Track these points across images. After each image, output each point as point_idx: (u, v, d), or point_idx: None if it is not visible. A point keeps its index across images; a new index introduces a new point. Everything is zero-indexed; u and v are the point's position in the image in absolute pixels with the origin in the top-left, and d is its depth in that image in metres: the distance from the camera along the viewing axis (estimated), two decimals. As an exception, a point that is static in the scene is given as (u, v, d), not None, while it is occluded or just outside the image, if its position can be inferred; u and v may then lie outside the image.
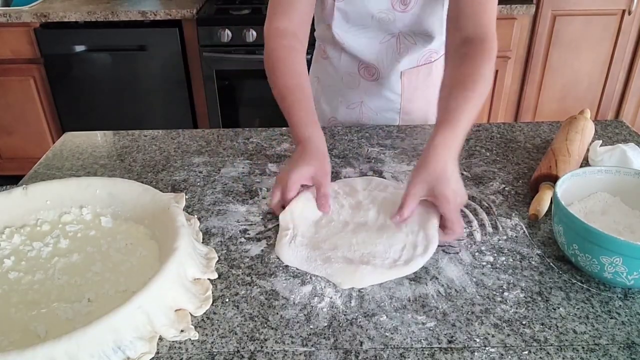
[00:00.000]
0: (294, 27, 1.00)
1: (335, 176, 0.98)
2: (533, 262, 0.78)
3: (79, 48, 2.39)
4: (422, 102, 1.22)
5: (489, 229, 0.85)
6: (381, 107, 1.22)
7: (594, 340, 0.65)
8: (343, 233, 0.83)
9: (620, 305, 0.70)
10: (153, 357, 0.63)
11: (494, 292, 0.72)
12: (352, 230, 0.83)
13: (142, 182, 0.88)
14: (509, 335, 0.66)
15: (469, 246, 0.81)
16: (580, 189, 0.82)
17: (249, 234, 0.85)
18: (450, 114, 0.82)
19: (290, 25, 0.99)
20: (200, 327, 0.68)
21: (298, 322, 0.68)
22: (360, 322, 0.68)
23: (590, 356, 0.63)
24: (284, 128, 1.18)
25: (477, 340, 0.65)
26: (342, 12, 1.08)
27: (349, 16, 1.08)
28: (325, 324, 0.68)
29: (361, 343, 0.65)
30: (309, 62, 1.11)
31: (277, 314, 0.70)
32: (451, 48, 0.95)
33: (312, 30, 1.08)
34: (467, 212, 0.88)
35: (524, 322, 0.68)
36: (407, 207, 0.79)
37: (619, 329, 0.67)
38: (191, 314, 0.69)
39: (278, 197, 0.85)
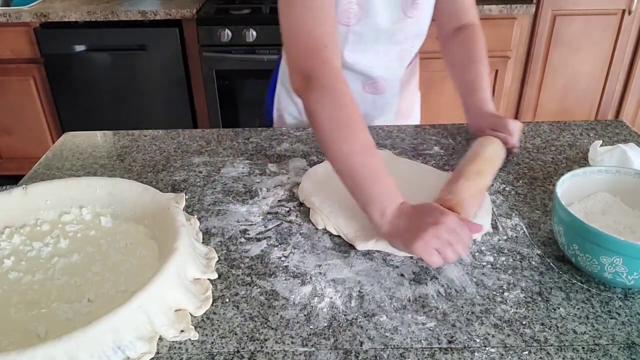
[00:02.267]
0: (338, 61, 0.82)
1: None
2: (533, 262, 0.78)
3: (79, 48, 2.39)
4: (408, 95, 1.26)
5: (489, 229, 0.84)
6: (382, 112, 1.22)
7: (594, 341, 0.65)
8: None
9: (620, 305, 0.70)
10: (153, 357, 0.63)
11: (494, 292, 0.72)
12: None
13: (142, 182, 0.88)
14: (509, 335, 0.66)
15: (469, 246, 0.81)
16: (580, 189, 0.82)
17: (249, 234, 0.85)
18: (477, 83, 1.04)
19: (337, 60, 0.82)
20: (200, 327, 0.68)
21: (298, 322, 0.68)
22: (360, 322, 0.68)
23: (590, 356, 0.63)
24: (283, 128, 1.18)
25: (477, 340, 0.65)
26: (357, 34, 1.04)
27: (363, 37, 1.05)
28: (325, 324, 0.68)
29: (361, 343, 0.65)
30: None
31: (277, 314, 0.70)
32: (447, 35, 1.13)
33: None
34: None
35: (524, 322, 0.68)
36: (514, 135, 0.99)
37: (619, 329, 0.67)
38: (191, 314, 0.69)
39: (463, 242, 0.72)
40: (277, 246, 0.82)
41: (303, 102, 0.81)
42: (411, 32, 1.09)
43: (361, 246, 0.79)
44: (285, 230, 0.85)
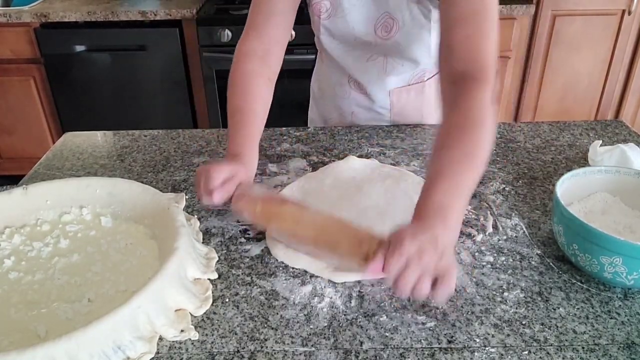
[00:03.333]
0: (264, 49, 0.97)
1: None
2: (533, 262, 0.78)
3: (79, 48, 2.39)
4: (415, 117, 1.20)
5: (489, 229, 0.85)
6: (372, 119, 1.21)
7: (593, 340, 0.65)
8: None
9: (620, 305, 0.70)
10: (153, 357, 0.63)
11: (494, 292, 0.72)
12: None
13: (142, 182, 0.88)
14: (509, 335, 0.66)
15: (469, 246, 0.81)
16: (580, 189, 0.82)
17: (249, 234, 0.85)
18: (439, 176, 0.71)
19: (260, 47, 0.97)
20: (200, 327, 0.68)
21: (298, 322, 0.68)
22: (360, 322, 0.68)
23: (590, 356, 0.63)
24: (283, 128, 1.18)
25: (477, 340, 0.65)
26: (327, 29, 1.07)
27: (334, 34, 1.08)
28: (325, 324, 0.68)
29: (361, 343, 0.65)
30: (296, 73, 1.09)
31: (277, 314, 0.70)
32: (444, 82, 0.83)
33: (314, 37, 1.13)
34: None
35: (523, 322, 0.68)
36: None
37: (618, 329, 0.67)
38: (191, 314, 0.69)
39: (201, 186, 0.78)
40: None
41: None
42: (391, 50, 1.06)
43: (341, 279, 0.74)
44: (285, 230, 0.85)
